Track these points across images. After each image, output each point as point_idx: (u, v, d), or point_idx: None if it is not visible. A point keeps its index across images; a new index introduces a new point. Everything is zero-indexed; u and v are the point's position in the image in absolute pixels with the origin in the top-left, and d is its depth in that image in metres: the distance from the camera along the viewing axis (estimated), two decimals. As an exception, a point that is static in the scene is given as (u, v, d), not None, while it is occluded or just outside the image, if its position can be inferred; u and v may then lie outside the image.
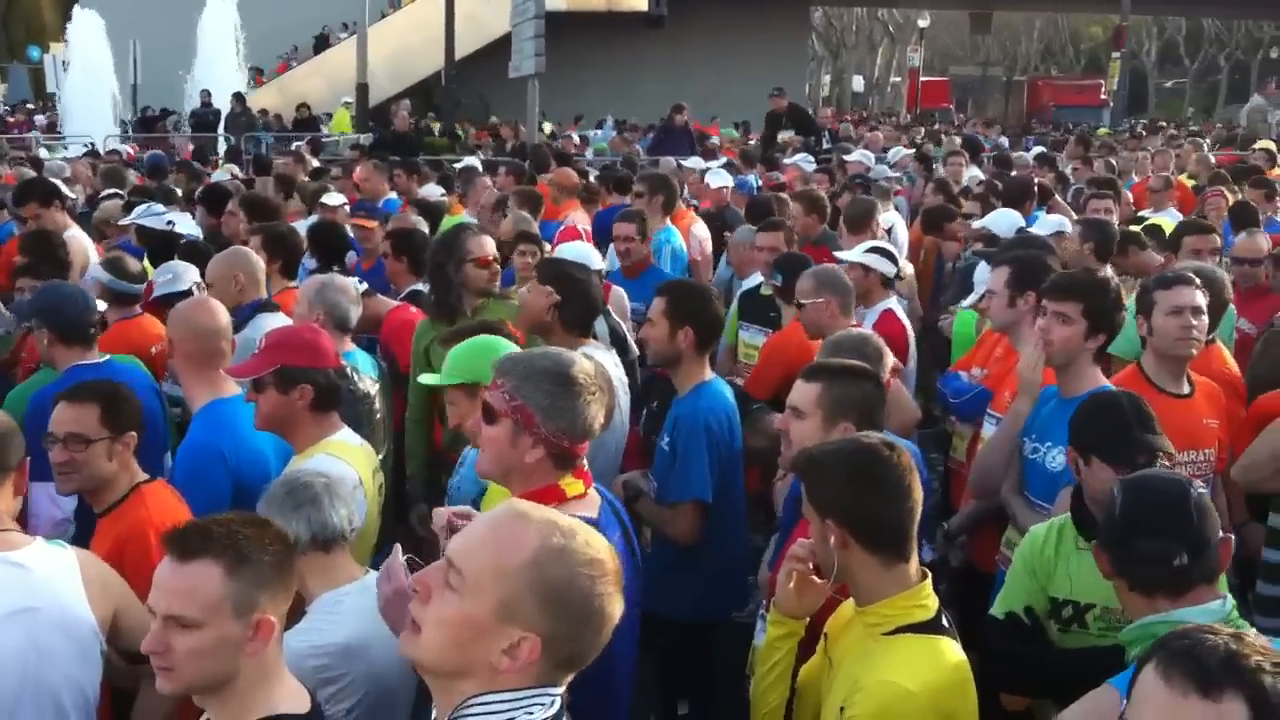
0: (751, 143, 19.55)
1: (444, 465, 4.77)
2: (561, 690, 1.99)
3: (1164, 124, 29.86)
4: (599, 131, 25.98)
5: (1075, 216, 8.54)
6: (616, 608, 1.98)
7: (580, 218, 9.24)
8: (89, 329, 4.80)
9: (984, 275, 5.93)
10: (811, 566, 2.85)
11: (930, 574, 2.79)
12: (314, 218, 8.51)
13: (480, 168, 12.28)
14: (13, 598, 2.97)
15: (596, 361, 3.21)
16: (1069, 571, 3.37)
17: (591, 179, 11.09)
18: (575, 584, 1.92)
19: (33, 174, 10.23)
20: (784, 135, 17.58)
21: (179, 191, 10.15)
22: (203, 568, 2.43)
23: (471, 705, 1.92)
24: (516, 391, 2.90)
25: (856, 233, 7.65)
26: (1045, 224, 7.75)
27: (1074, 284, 4.25)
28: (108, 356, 4.84)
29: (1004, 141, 23.23)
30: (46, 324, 4.76)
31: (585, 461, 3.04)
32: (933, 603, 2.73)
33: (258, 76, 30.33)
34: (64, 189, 8.69)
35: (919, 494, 2.76)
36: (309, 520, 3.22)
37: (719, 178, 10.65)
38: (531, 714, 1.91)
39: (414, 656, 1.99)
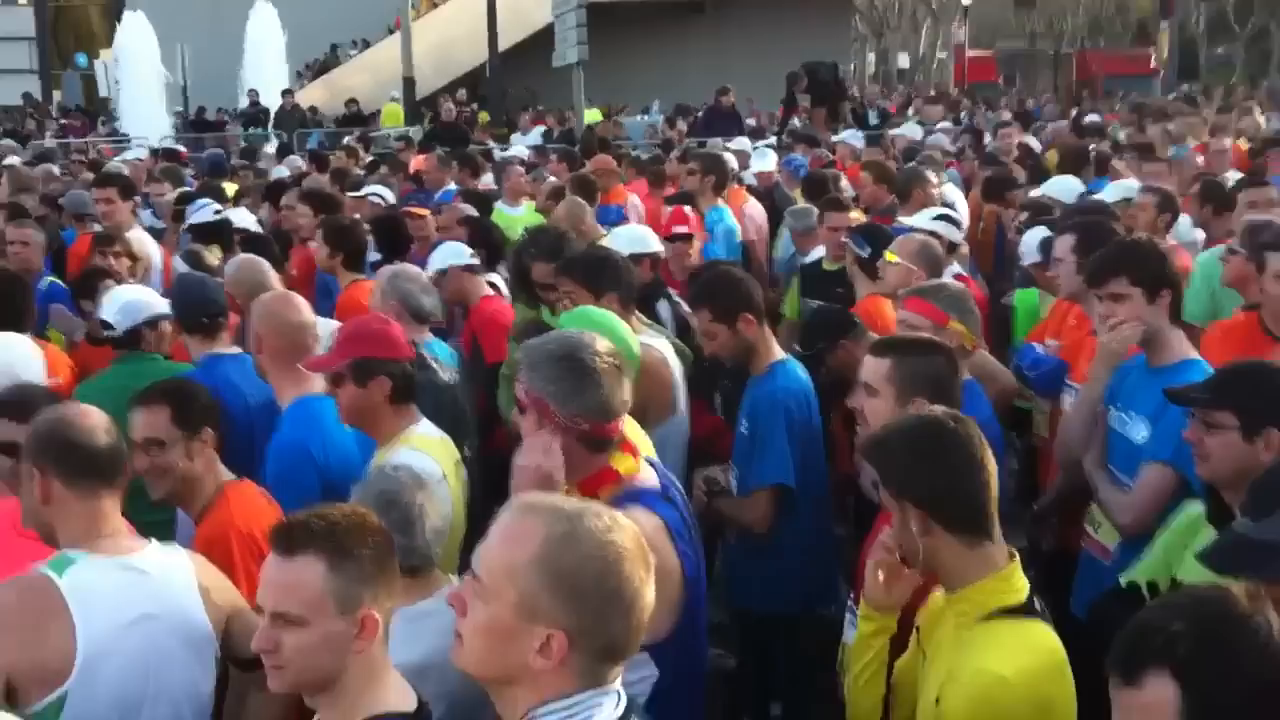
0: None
1: None
2: (617, 687, 1.99)
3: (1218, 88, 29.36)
4: (645, 116, 25.93)
5: (1135, 183, 8.43)
6: (644, 589, 1.97)
7: (635, 201, 9.26)
8: (204, 319, 4.86)
9: (1031, 245, 5.88)
10: (898, 556, 2.79)
11: (1019, 556, 2.73)
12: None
13: (524, 158, 12.31)
14: (136, 603, 2.96)
15: (626, 339, 3.14)
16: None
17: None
18: (587, 569, 1.92)
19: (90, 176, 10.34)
20: (803, 103, 17.56)
21: (229, 189, 10.19)
22: (306, 563, 2.43)
23: None
24: (530, 380, 2.91)
25: (905, 203, 7.61)
26: (1115, 189, 7.61)
27: (1112, 260, 4.08)
28: (237, 349, 4.90)
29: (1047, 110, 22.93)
30: (178, 315, 4.90)
31: (626, 436, 3.01)
32: (1024, 586, 2.66)
33: (305, 76, 30.51)
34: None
35: (993, 465, 2.69)
36: (396, 545, 3.19)
37: (764, 159, 10.60)
38: (592, 717, 1.92)
39: (463, 668, 2.02)
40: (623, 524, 2.01)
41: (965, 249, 7.69)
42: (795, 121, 17.50)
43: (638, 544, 1.99)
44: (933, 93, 32.69)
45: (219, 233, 7.30)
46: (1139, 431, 3.94)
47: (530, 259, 5.43)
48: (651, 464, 3.15)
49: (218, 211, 7.60)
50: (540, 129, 19.92)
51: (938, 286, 4.37)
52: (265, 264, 5.78)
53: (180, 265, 5.85)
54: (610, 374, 2.91)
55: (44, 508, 3.07)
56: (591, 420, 2.88)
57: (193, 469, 3.66)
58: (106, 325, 5.00)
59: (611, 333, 3.73)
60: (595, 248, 5.42)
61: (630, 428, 3.22)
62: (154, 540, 3.15)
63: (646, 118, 25.35)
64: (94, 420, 3.12)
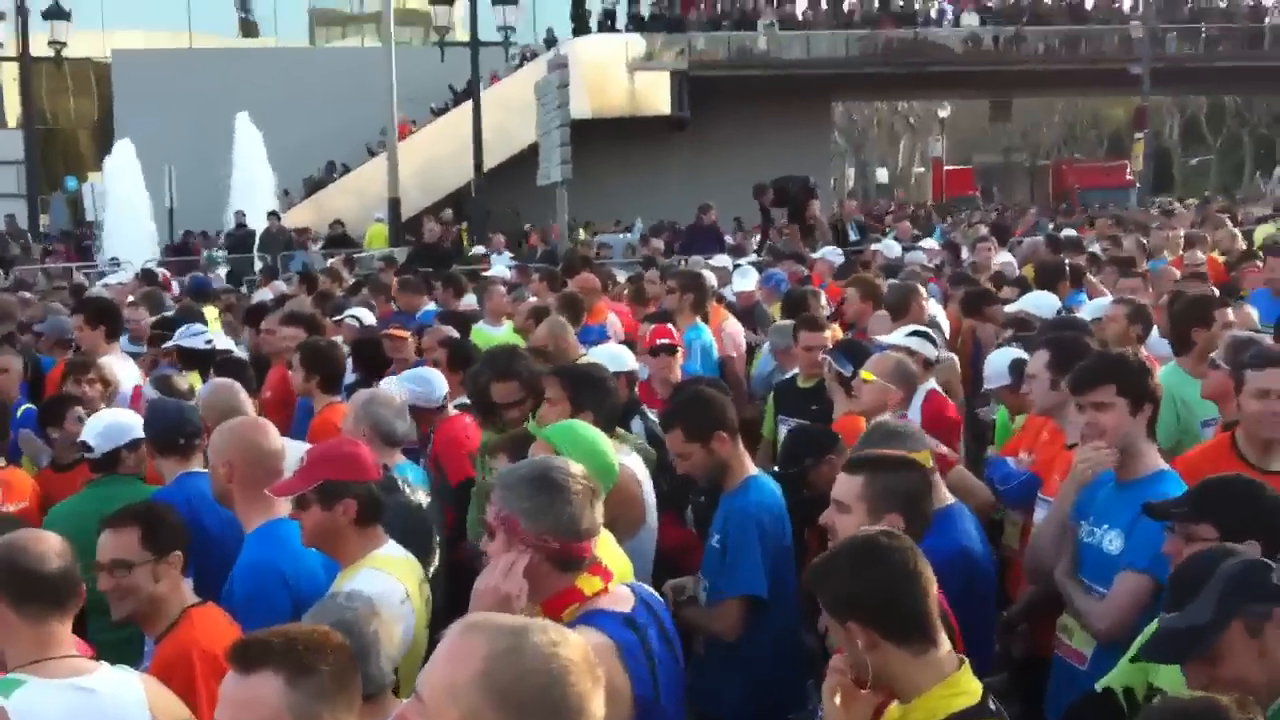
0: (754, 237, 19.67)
1: None
2: None
3: (1193, 200, 29.88)
4: (628, 234, 26.22)
5: (1110, 296, 8.51)
6: (590, 704, 1.95)
7: (614, 321, 9.29)
8: (180, 441, 4.90)
9: (997, 365, 5.92)
10: (852, 678, 2.78)
11: (967, 660, 2.75)
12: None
13: (506, 278, 12.39)
14: None
15: (607, 457, 3.19)
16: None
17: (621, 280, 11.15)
18: (530, 683, 1.91)
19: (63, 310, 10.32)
20: (780, 223, 17.82)
21: (210, 313, 10.21)
22: (263, 679, 2.39)
23: None
24: (502, 501, 2.93)
25: (899, 318, 7.64)
26: (1093, 308, 7.67)
27: (1099, 369, 4.15)
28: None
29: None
30: (148, 437, 4.97)
31: (598, 558, 3.02)
32: (976, 688, 2.69)
33: (290, 197, 30.89)
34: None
35: (929, 574, 2.73)
36: None
37: (745, 279, 10.63)
38: None
39: None
40: (570, 639, 1.99)
41: (955, 361, 7.74)
42: (773, 239, 17.71)
43: (585, 658, 1.98)
44: (896, 209, 33.25)
45: (206, 359, 7.31)
46: (1112, 544, 3.95)
47: (486, 380, 5.47)
48: (632, 588, 3.15)
49: (209, 341, 7.62)
50: (506, 252, 20.17)
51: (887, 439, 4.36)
52: (239, 388, 5.79)
53: (150, 391, 5.85)
54: (582, 494, 2.94)
55: None
56: (561, 539, 2.90)
57: (158, 591, 3.66)
58: (86, 447, 5.09)
59: (594, 448, 3.78)
60: (592, 365, 5.48)
61: (606, 552, 3.22)
62: (105, 663, 3.15)
63: (628, 236, 25.61)
64: (44, 546, 3.15)
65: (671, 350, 7.04)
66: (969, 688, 2.68)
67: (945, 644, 2.72)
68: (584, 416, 4.67)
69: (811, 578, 2.85)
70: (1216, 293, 7.69)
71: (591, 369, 5.31)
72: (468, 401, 6.33)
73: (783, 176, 18.78)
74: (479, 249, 20.33)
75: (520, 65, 32.96)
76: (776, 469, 5.15)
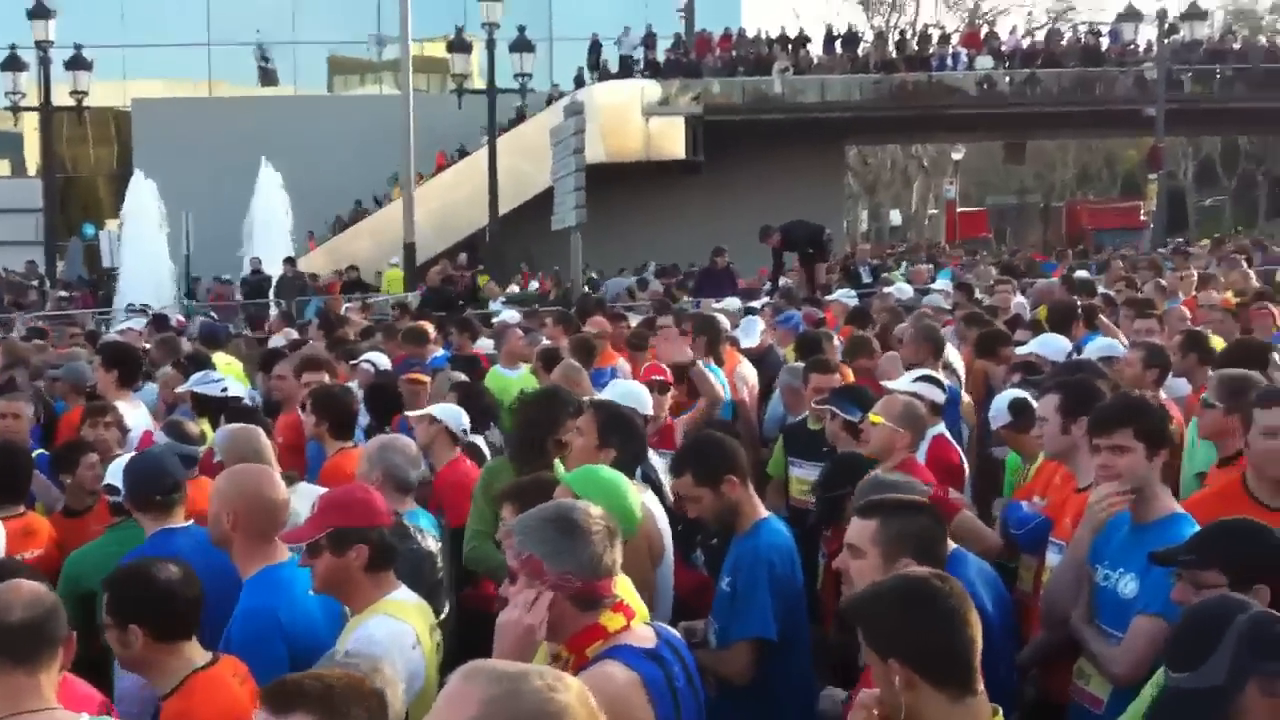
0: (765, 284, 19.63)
1: None
2: None
3: (1206, 241, 29.82)
4: (636, 277, 26.25)
5: (1124, 338, 8.49)
6: None
7: (623, 365, 9.30)
8: (156, 497, 4.83)
9: (999, 408, 5.93)
10: (878, 715, 2.77)
11: (1001, 709, 2.73)
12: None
13: (516, 319, 12.42)
14: None
15: (628, 501, 3.22)
16: None
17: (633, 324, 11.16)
18: None
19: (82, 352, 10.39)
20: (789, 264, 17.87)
21: (220, 359, 10.21)
22: None
23: None
24: (523, 544, 2.99)
25: (922, 360, 7.65)
26: (1096, 348, 7.68)
27: (1118, 412, 4.17)
28: (190, 522, 4.86)
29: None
30: (128, 493, 4.89)
31: (619, 597, 3.08)
32: None
33: (309, 241, 31.07)
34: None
35: (977, 622, 2.72)
36: None
37: (751, 333, 10.54)
38: None
39: None
40: (569, 684, 2.00)
41: (968, 400, 7.72)
42: (784, 281, 17.72)
43: (583, 703, 1.98)
44: (908, 249, 33.25)
45: (220, 407, 7.33)
46: (1127, 587, 3.94)
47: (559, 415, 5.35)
48: (654, 627, 3.20)
49: (224, 389, 7.64)
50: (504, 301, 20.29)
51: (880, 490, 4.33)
52: (259, 432, 5.78)
53: (160, 436, 5.86)
54: (601, 535, 3.01)
55: None
56: (583, 578, 2.97)
57: (140, 655, 3.61)
58: (112, 490, 5.09)
59: (615, 492, 3.82)
60: (628, 408, 5.48)
61: (627, 593, 3.28)
62: (85, 715, 3.14)
63: (625, 280, 25.54)
64: (11, 596, 3.12)
65: (664, 388, 7.05)
66: None
67: (982, 692, 2.70)
68: (605, 454, 4.71)
69: (853, 609, 2.85)
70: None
71: (628, 412, 5.33)
72: (473, 443, 6.37)
73: (792, 221, 18.78)
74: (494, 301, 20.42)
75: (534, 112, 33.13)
76: (814, 493, 5.09)
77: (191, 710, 3.55)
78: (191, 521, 4.87)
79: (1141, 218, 38.46)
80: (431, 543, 4.74)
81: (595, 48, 36.15)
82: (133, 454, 5.51)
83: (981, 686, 2.70)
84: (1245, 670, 2.67)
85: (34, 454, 6.37)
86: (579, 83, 34.36)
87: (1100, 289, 13.30)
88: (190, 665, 3.66)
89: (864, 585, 3.31)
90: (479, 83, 31.63)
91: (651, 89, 34.31)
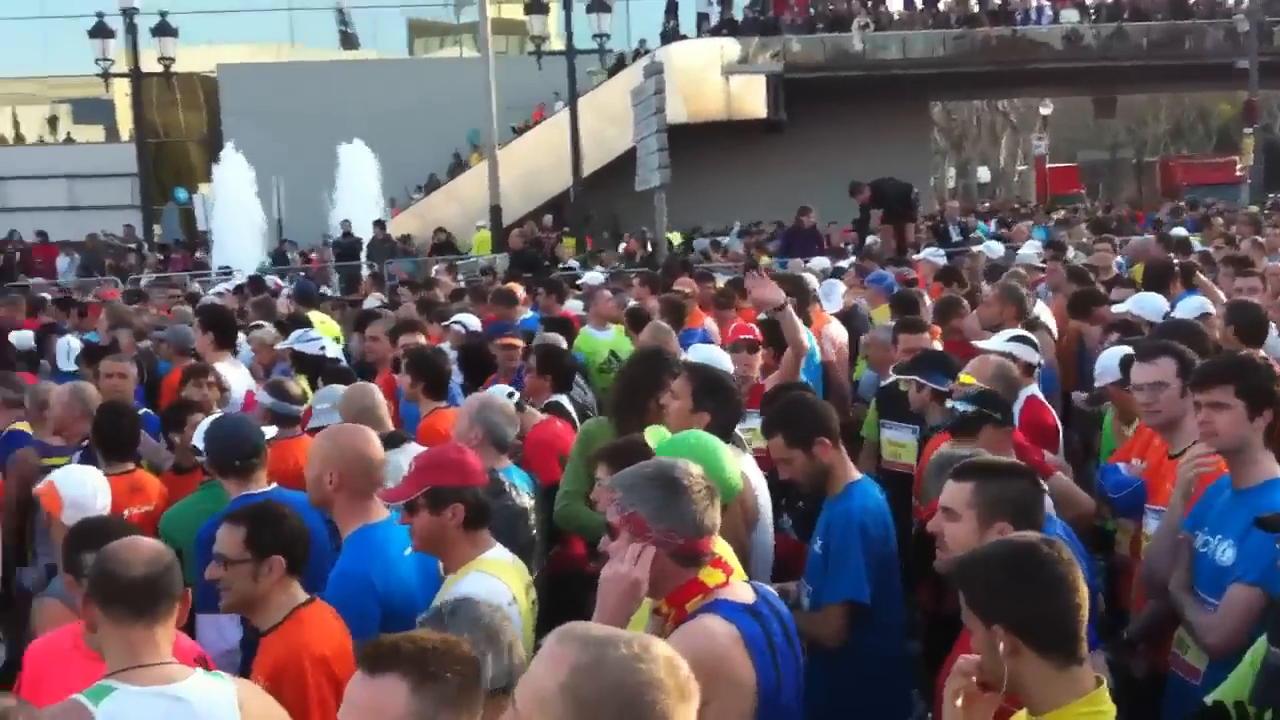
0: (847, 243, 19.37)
1: None
2: None
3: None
4: (726, 238, 26.19)
5: (1223, 297, 8.31)
6: (676, 718, 1.96)
7: (711, 326, 9.30)
8: (236, 462, 4.90)
9: (1107, 365, 5.79)
10: (976, 681, 2.73)
11: (1105, 680, 2.69)
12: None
13: (600, 280, 12.45)
14: None
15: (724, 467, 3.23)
16: None
17: (720, 284, 11.12)
18: (610, 700, 1.94)
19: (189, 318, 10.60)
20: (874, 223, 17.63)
21: (315, 318, 10.38)
22: (389, 683, 2.40)
23: None
24: (626, 501, 3.04)
25: (1005, 319, 7.58)
26: (1187, 306, 7.52)
27: (1220, 368, 4.07)
28: (273, 485, 4.96)
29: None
30: (209, 458, 4.99)
31: (718, 554, 3.14)
32: (1111, 710, 2.62)
33: (394, 209, 31.36)
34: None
35: (1084, 589, 2.67)
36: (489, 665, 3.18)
37: (832, 297, 10.43)
38: None
39: None
40: (656, 653, 2.01)
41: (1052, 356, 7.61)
42: (870, 239, 17.54)
43: (671, 672, 1.99)
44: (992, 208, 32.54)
45: (317, 365, 7.46)
46: (1225, 554, 3.86)
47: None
48: (755, 586, 3.25)
49: (323, 347, 7.77)
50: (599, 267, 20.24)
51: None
52: (375, 390, 5.89)
53: (264, 396, 5.99)
54: (702, 494, 3.06)
55: (94, 634, 3.24)
56: (685, 536, 3.02)
57: (258, 589, 3.75)
58: (198, 451, 5.19)
59: (711, 458, 3.83)
60: (724, 372, 5.48)
61: (726, 554, 3.33)
62: (199, 670, 3.22)
63: (727, 239, 25.48)
64: (134, 554, 3.22)
65: (754, 347, 7.02)
66: (1105, 708, 2.62)
67: (1087, 660, 2.66)
68: (699, 417, 4.73)
69: (958, 573, 2.81)
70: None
71: (724, 375, 5.32)
72: (558, 403, 6.43)
73: (881, 178, 18.54)
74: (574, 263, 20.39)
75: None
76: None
77: (304, 641, 3.67)
78: (274, 485, 4.96)
79: (1237, 172, 37.42)
80: (526, 499, 4.80)
81: (672, 7, 35.82)
82: (217, 416, 5.63)
83: (1086, 653, 2.66)
84: None
85: (140, 413, 6.55)
86: (665, 38, 34.02)
87: (1196, 245, 12.99)
88: (295, 600, 3.80)
89: (958, 549, 3.31)
90: (557, 44, 31.53)
91: (731, 48, 33.91)
